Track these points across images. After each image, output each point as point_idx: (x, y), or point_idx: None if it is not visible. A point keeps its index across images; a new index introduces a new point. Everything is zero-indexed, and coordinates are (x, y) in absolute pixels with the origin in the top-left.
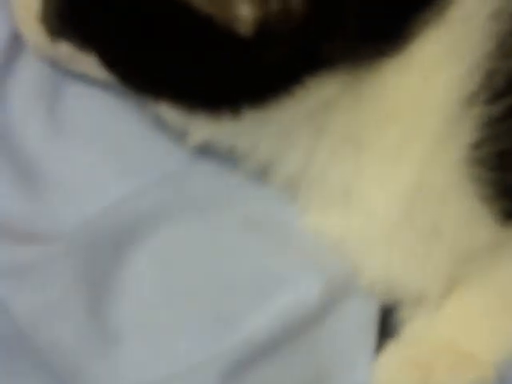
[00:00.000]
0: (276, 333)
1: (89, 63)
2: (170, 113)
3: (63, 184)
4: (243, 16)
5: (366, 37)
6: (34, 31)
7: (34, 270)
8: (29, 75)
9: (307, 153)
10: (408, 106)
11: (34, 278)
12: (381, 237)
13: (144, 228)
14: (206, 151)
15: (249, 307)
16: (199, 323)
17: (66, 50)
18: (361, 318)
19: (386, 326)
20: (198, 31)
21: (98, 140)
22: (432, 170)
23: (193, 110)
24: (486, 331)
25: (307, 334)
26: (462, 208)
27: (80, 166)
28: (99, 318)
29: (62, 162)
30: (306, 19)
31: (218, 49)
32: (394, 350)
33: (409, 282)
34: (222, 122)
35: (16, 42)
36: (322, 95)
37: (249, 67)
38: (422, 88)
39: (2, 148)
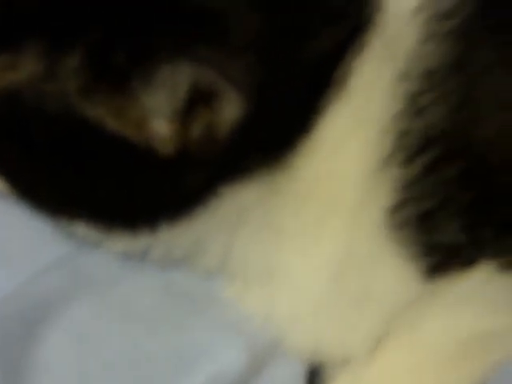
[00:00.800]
0: None
1: None
2: (83, 229)
3: None
4: (160, 134)
5: (271, 147)
6: None
7: None
8: None
9: (226, 246)
10: (322, 183)
11: None
12: (307, 308)
13: (57, 304)
14: None
15: (173, 378)
16: None
17: None
18: (287, 380)
19: None
20: (114, 152)
21: None
22: (355, 237)
23: (109, 227)
24: None
25: None
26: (390, 269)
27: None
28: None
29: None
30: (229, 145)
31: (136, 170)
32: None
33: (337, 346)
34: (138, 236)
35: None
36: (237, 201)
37: (167, 187)
38: (332, 162)
39: None
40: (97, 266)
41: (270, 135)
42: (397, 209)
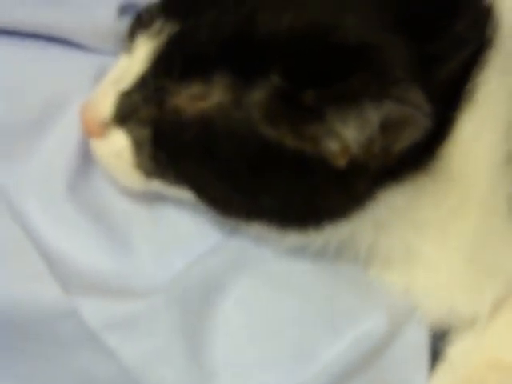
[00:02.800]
0: (349, 363)
1: (178, 193)
2: (260, 229)
3: (151, 243)
4: (333, 151)
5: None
6: (127, 175)
7: (139, 321)
8: None
9: (373, 239)
10: (457, 180)
11: (140, 329)
12: (441, 280)
13: (227, 278)
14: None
15: (325, 342)
16: (283, 358)
17: (157, 185)
18: (417, 345)
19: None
20: (291, 164)
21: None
22: (485, 221)
23: (284, 227)
24: None
25: (373, 363)
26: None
27: (164, 226)
28: (196, 361)
29: (148, 223)
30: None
31: (312, 179)
32: (446, 372)
33: (466, 312)
34: (307, 234)
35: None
36: (388, 202)
37: (337, 193)
38: (466, 161)
39: (94, 214)
40: (251, 249)
41: (419, 145)
42: None
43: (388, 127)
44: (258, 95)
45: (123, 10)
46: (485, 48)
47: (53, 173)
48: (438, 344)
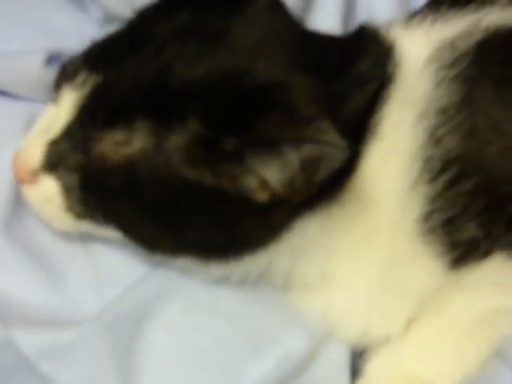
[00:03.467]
0: (275, 380)
1: (107, 232)
2: (185, 262)
3: (82, 276)
4: (253, 188)
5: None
6: (58, 218)
7: (73, 349)
8: None
9: (289, 266)
10: (366, 207)
11: (73, 356)
12: (356, 303)
13: (155, 306)
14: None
15: (250, 362)
16: (210, 380)
17: (87, 226)
18: (337, 362)
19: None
20: (211, 201)
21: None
22: (394, 245)
23: (207, 260)
24: (441, 359)
25: (298, 379)
26: (422, 265)
27: (94, 260)
28: None
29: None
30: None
31: (232, 212)
32: None
33: (380, 333)
34: (228, 264)
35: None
36: (302, 231)
37: (257, 224)
38: (373, 190)
39: (28, 252)
40: (178, 278)
41: (331, 176)
42: (426, 218)
43: (307, 164)
44: (176, 140)
45: (50, 60)
46: (386, 85)
47: None
48: (357, 361)
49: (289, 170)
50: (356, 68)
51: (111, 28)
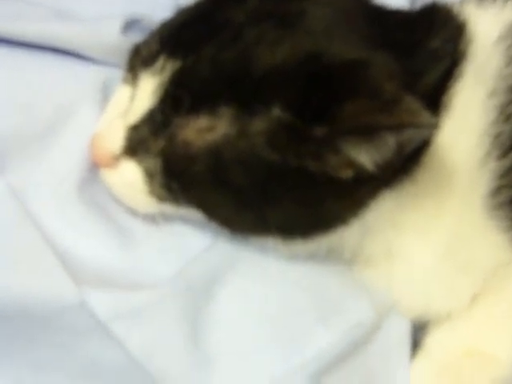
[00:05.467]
0: (338, 352)
1: (189, 213)
2: (266, 241)
3: (153, 242)
4: (337, 166)
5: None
6: (139, 202)
7: (146, 311)
8: None
9: (359, 240)
10: (436, 183)
11: (146, 319)
12: (421, 276)
13: (225, 273)
14: None
15: (317, 330)
16: (277, 345)
17: (169, 208)
18: (399, 335)
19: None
20: (295, 181)
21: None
22: (462, 220)
23: (289, 239)
24: (504, 334)
25: (360, 352)
26: (488, 241)
27: (164, 228)
28: (198, 347)
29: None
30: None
31: (317, 189)
32: (424, 360)
33: (443, 308)
34: (312, 242)
35: None
36: (377, 208)
37: (341, 201)
38: (445, 165)
39: (102, 215)
40: (246, 247)
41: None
42: (495, 193)
43: (403, 145)
44: (260, 126)
45: (127, 27)
46: (459, 61)
47: (64, 176)
48: (418, 334)
49: (386, 153)
50: (429, 44)
51: None
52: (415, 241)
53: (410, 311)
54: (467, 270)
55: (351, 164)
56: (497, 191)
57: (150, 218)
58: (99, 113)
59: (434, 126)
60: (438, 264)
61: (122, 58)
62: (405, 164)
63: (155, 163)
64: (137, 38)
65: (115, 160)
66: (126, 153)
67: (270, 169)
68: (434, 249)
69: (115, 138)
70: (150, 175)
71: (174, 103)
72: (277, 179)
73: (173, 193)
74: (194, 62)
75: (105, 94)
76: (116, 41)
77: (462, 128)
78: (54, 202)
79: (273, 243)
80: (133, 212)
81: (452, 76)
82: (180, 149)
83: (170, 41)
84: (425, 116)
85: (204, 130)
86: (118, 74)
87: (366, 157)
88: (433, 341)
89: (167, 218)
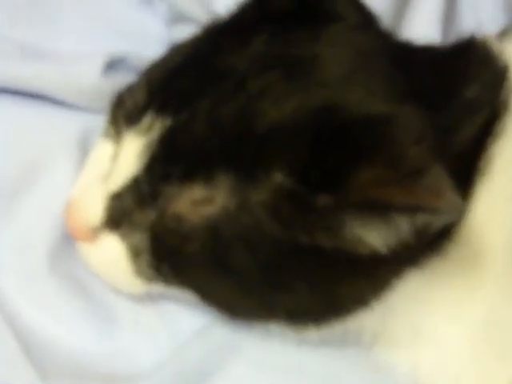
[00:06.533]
0: None
1: (181, 295)
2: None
3: (136, 325)
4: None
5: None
6: (123, 282)
7: None
8: None
9: (381, 322)
10: (471, 259)
11: None
12: (454, 363)
13: (223, 358)
14: None
15: None
16: None
17: (158, 289)
18: None
19: None
20: (307, 259)
21: None
22: (502, 299)
23: (303, 324)
24: None
25: None
26: None
27: (150, 307)
28: None
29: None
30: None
31: (333, 269)
32: None
33: None
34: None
35: None
36: (403, 286)
37: (362, 281)
38: (481, 239)
39: (76, 292)
40: (242, 331)
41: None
42: None
43: (421, 229)
44: (261, 194)
45: (110, 66)
46: (499, 114)
47: (32, 243)
48: None
49: (398, 235)
50: (465, 93)
51: (179, 30)
52: (447, 321)
53: None
54: (504, 356)
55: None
56: None
57: (136, 298)
58: (76, 169)
59: (459, 211)
60: (472, 348)
61: (104, 103)
62: (432, 242)
63: (142, 239)
64: (121, 79)
65: (94, 233)
66: (107, 225)
67: (277, 246)
68: (467, 331)
69: (94, 207)
70: (135, 253)
71: (164, 169)
72: (285, 258)
73: (163, 274)
74: (187, 120)
75: (84, 146)
76: (97, 83)
77: (502, 196)
78: (20, 274)
79: (279, 328)
80: (116, 291)
81: (491, 132)
82: (171, 224)
83: (159, 92)
84: (448, 199)
85: (199, 203)
86: (100, 122)
87: (375, 237)
88: None
89: (155, 298)
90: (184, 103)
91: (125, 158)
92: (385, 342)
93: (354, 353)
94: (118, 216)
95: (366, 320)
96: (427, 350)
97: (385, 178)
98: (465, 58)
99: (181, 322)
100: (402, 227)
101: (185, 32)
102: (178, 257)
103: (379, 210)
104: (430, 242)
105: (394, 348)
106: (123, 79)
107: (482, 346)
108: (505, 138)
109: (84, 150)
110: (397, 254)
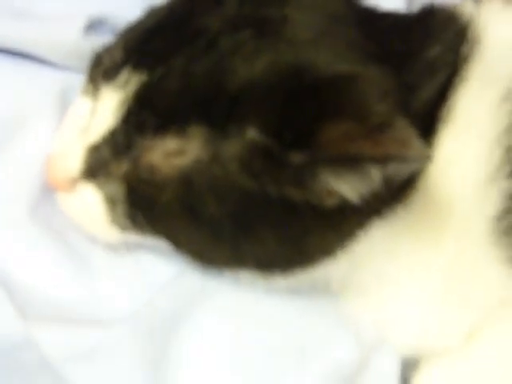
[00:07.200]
0: None
1: (155, 243)
2: (247, 275)
3: (113, 273)
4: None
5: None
6: (99, 230)
7: (101, 353)
8: None
9: (348, 272)
10: (435, 205)
11: (101, 362)
12: (414, 309)
13: (192, 310)
14: None
15: (294, 374)
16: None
17: (133, 238)
18: (387, 373)
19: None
20: (276, 211)
21: None
22: (463, 246)
23: (270, 273)
24: (500, 374)
25: None
26: (490, 271)
27: (125, 257)
28: None
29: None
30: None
31: (300, 220)
32: None
33: (438, 343)
34: (293, 276)
35: None
36: (367, 238)
37: (328, 232)
38: (444, 184)
39: (57, 240)
40: (215, 279)
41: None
42: (501, 217)
43: (390, 178)
44: (234, 149)
45: (91, 27)
46: (461, 68)
47: (14, 194)
48: (408, 372)
49: (370, 185)
50: (427, 53)
51: None
52: (410, 271)
53: (401, 347)
54: (466, 304)
55: (333, 194)
56: (504, 214)
57: (112, 247)
58: (56, 124)
59: (426, 159)
60: (435, 296)
61: (84, 62)
62: (396, 192)
63: (118, 189)
64: (101, 40)
65: (73, 183)
66: (85, 176)
67: (247, 197)
68: (429, 280)
69: (73, 159)
70: (111, 202)
71: (139, 122)
72: (254, 209)
73: (138, 222)
74: (161, 76)
75: (63, 103)
76: (77, 43)
77: (465, 142)
78: (2, 224)
79: (248, 276)
80: (92, 239)
81: (453, 85)
82: (145, 174)
83: (136, 50)
84: (415, 147)
85: (172, 154)
86: (79, 80)
87: (348, 188)
88: (424, 379)
89: (130, 247)
90: (159, 60)
91: (102, 111)
92: (352, 292)
93: (323, 302)
94: (96, 167)
95: (332, 270)
96: (392, 299)
97: (354, 132)
98: (427, 22)
99: (155, 270)
100: (374, 177)
101: None
102: (152, 206)
103: (351, 162)
104: (394, 193)
105: (360, 297)
106: (103, 40)
107: (444, 293)
108: (466, 87)
109: (64, 106)
110: (367, 204)
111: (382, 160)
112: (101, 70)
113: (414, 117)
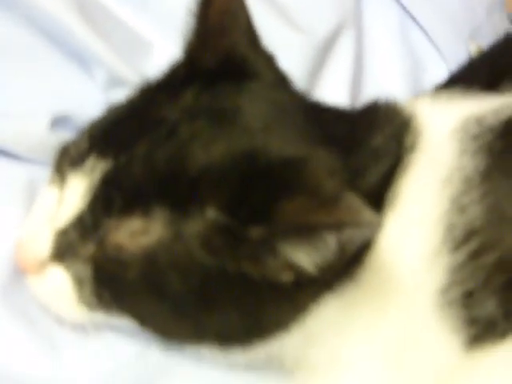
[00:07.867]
0: None
1: (121, 322)
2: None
3: (79, 347)
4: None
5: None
6: (67, 310)
7: None
8: None
9: (301, 348)
10: (383, 281)
11: None
12: None
13: (156, 381)
14: None
15: None
16: None
17: (100, 317)
18: None
19: None
20: (234, 287)
21: None
22: (410, 319)
23: (229, 347)
24: None
25: None
26: (437, 342)
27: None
28: None
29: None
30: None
31: (257, 295)
32: None
33: None
34: (251, 351)
35: None
36: (319, 312)
37: (283, 306)
38: (392, 262)
39: (29, 325)
40: (180, 356)
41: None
42: (446, 290)
43: (345, 246)
44: (195, 228)
45: (55, 123)
46: (405, 156)
47: None
48: None
49: (327, 253)
50: (370, 142)
51: (116, 93)
52: (362, 347)
53: None
54: (418, 375)
55: (291, 266)
56: (448, 287)
57: (78, 327)
58: (24, 213)
59: (377, 225)
60: (387, 371)
61: (49, 156)
62: (347, 266)
63: (85, 269)
64: (65, 135)
65: (42, 266)
66: (53, 259)
67: (208, 274)
68: (380, 354)
69: (42, 242)
70: (79, 282)
71: (105, 204)
72: (215, 284)
73: (104, 301)
74: (125, 162)
75: (30, 194)
76: (43, 137)
77: (410, 222)
78: None
79: (209, 351)
80: (60, 320)
81: (397, 172)
82: (111, 253)
83: (100, 139)
84: (366, 214)
85: (137, 233)
86: (46, 172)
87: (305, 258)
88: None
89: (97, 326)
90: (122, 148)
91: (70, 198)
92: (305, 369)
93: (281, 380)
94: (64, 249)
95: (287, 345)
96: (346, 376)
97: (308, 205)
98: (371, 115)
99: (118, 348)
100: (330, 244)
101: (121, 95)
102: (118, 284)
103: (307, 231)
104: (346, 266)
105: (316, 376)
106: (67, 135)
107: (397, 367)
108: (410, 174)
109: (31, 197)
110: (322, 275)
111: (337, 226)
112: (67, 160)
113: (362, 197)
